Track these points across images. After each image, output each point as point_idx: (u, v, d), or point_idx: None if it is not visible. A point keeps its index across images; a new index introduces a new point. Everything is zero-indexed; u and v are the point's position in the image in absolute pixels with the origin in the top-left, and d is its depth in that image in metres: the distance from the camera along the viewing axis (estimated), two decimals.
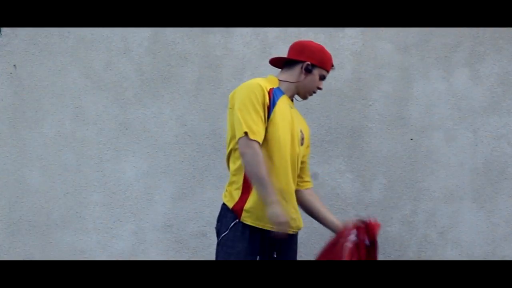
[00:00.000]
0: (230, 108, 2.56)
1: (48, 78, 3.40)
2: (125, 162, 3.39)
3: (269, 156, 2.51)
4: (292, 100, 2.72)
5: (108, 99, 3.40)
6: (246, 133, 2.45)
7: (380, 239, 3.37)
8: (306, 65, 2.65)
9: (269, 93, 2.54)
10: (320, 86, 2.72)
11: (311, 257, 3.31)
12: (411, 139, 3.39)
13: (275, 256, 2.57)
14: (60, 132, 3.40)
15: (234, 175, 2.57)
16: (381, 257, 3.37)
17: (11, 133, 3.40)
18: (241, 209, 2.51)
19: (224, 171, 3.32)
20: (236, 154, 2.55)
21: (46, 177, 3.39)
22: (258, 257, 2.54)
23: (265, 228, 2.51)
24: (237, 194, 2.54)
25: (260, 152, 2.44)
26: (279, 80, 2.67)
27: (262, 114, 2.49)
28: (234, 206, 2.53)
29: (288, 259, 2.63)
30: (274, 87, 2.61)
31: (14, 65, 3.40)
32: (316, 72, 2.67)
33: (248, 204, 2.50)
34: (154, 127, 3.39)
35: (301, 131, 2.66)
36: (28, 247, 3.40)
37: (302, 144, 2.66)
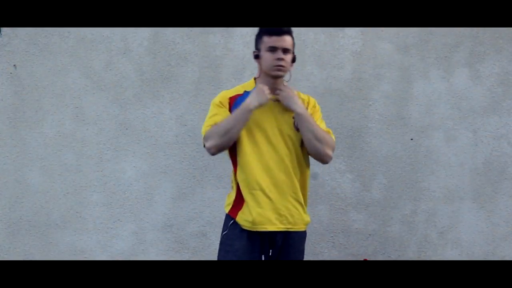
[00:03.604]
0: None
1: (48, 78, 3.40)
2: (125, 162, 3.39)
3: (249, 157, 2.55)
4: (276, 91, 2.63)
5: (108, 99, 3.39)
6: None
7: (380, 239, 3.39)
8: (254, 55, 2.64)
9: (229, 101, 2.61)
10: (277, 57, 2.56)
11: (311, 257, 3.32)
12: (411, 139, 3.39)
13: (270, 254, 2.56)
14: (60, 132, 3.40)
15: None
16: (381, 257, 3.38)
17: (11, 133, 3.39)
18: (236, 214, 2.57)
19: (224, 171, 3.32)
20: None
21: (46, 177, 3.39)
22: (260, 255, 2.56)
23: (257, 230, 2.54)
24: (231, 198, 2.62)
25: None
26: (255, 78, 2.67)
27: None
28: (230, 210, 2.60)
29: (292, 258, 2.60)
30: (248, 89, 2.62)
31: (14, 65, 3.40)
32: (262, 51, 2.59)
33: (241, 212, 2.56)
34: (154, 127, 3.39)
35: (293, 118, 2.59)
36: (28, 247, 3.40)
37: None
